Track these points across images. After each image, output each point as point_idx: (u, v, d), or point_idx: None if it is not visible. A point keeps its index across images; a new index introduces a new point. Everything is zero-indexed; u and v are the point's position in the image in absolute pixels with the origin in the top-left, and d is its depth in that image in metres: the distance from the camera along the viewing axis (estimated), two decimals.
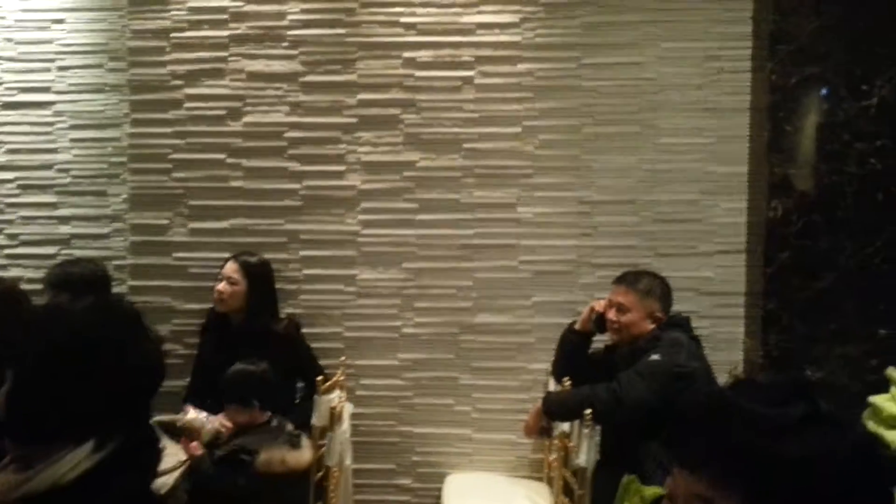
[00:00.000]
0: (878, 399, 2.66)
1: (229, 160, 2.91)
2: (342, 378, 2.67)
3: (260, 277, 2.65)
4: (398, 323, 2.94)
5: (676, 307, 2.52)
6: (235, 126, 2.90)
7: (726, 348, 2.94)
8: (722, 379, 2.59)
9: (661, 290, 2.43)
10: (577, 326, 2.55)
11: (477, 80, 2.91)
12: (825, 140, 2.79)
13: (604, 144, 2.93)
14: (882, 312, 2.81)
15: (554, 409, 2.34)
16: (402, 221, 2.93)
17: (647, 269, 2.56)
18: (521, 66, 2.91)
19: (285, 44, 2.90)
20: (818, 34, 2.77)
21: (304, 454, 2.24)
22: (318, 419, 2.35)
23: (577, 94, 2.92)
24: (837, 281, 2.81)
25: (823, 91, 2.79)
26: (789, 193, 2.81)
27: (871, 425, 2.63)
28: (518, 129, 2.93)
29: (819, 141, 2.80)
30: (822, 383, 2.83)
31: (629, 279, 2.44)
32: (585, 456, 2.21)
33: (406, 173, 2.92)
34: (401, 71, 2.91)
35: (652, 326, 2.36)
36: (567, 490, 2.36)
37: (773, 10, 2.79)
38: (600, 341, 2.61)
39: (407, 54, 2.90)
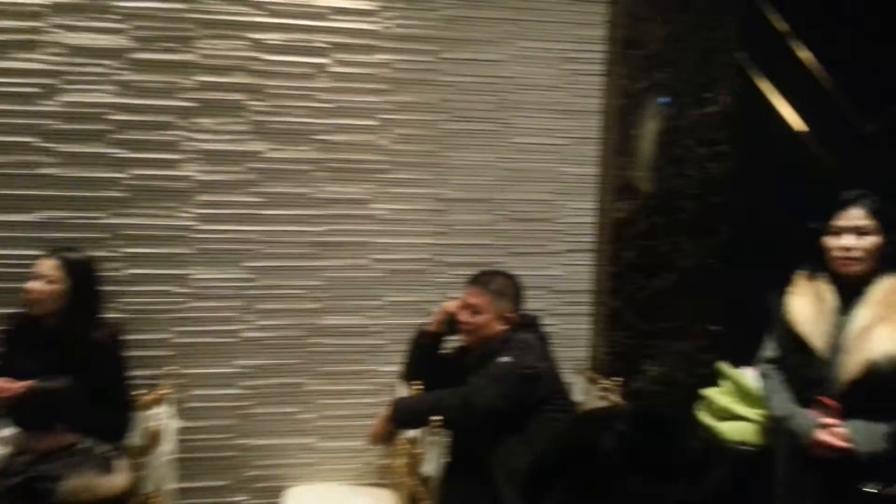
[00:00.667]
0: (709, 392, 2.82)
1: (41, 144, 2.56)
2: (168, 390, 2.45)
3: (84, 277, 2.35)
4: (237, 327, 2.73)
5: (528, 305, 2.51)
6: (50, 105, 2.56)
7: (574, 345, 3.00)
8: (568, 376, 2.63)
9: (513, 290, 2.41)
10: (427, 328, 2.48)
11: (331, 69, 2.75)
12: (669, 144, 2.90)
13: (461, 141, 2.87)
14: (715, 310, 2.97)
15: (401, 417, 2.26)
16: (245, 216, 2.71)
17: (500, 269, 2.53)
18: (378, 57, 2.78)
19: (113, 16, 2.58)
20: (668, 42, 2.85)
21: (116, 479, 2.02)
22: (135, 439, 2.12)
23: (436, 89, 2.83)
24: (676, 280, 2.94)
25: (669, 97, 2.88)
26: (635, 195, 2.89)
27: (706, 417, 2.79)
28: (374, 122, 2.80)
29: (663, 145, 2.89)
30: (662, 378, 2.96)
31: (482, 280, 2.39)
32: (432, 463, 2.16)
33: (251, 164, 2.71)
34: (247, 53, 2.68)
35: (504, 328, 2.34)
36: (413, 497, 2.30)
37: (627, 15, 2.84)
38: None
39: (254, 35, 2.68)
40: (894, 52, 3.07)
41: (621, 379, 2.66)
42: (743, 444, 2.59)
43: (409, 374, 2.49)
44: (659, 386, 2.96)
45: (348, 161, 2.79)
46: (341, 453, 2.82)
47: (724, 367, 2.81)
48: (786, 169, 3.04)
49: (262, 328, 2.75)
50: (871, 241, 2.04)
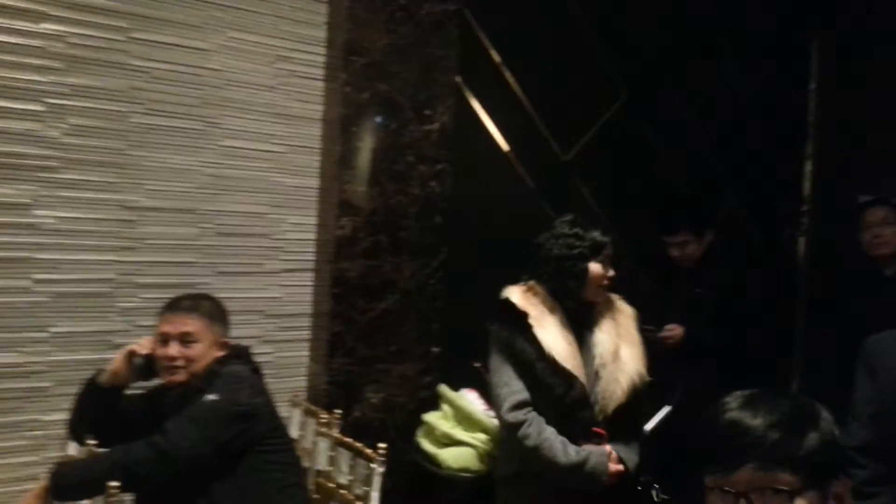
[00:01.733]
0: (430, 417, 2.73)
1: None
2: None
3: None
4: None
5: (239, 332, 2.17)
6: None
7: (291, 375, 2.72)
8: (284, 409, 2.34)
9: (223, 313, 2.05)
10: (103, 380, 1.94)
11: None
12: (392, 160, 2.78)
13: (156, 139, 2.43)
14: (436, 331, 2.91)
15: (65, 486, 1.73)
16: None
17: (201, 292, 2.15)
18: (47, 26, 2.23)
19: None
20: (390, 52, 2.74)
21: None
22: None
23: (124, 74, 2.36)
24: (398, 301, 2.82)
25: (391, 111, 2.77)
26: (357, 212, 2.72)
27: (426, 444, 2.68)
28: (39, 107, 2.23)
29: (386, 161, 2.77)
30: (383, 404, 2.80)
31: (187, 304, 1.98)
32: None
33: None
34: None
35: (220, 354, 1.97)
36: None
37: (348, 19, 2.67)
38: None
39: None
40: (587, 86, 3.38)
41: (341, 411, 2.44)
42: (465, 470, 2.55)
43: (78, 429, 1.96)
44: (380, 413, 2.79)
45: (3, 154, 2.18)
46: None
47: (445, 389, 2.76)
48: (495, 188, 3.13)
49: None
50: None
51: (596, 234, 2.13)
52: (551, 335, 2.06)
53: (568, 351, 2.05)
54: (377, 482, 2.07)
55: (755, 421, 0.95)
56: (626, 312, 2.23)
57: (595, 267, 2.11)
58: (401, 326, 2.83)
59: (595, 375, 2.06)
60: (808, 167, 3.99)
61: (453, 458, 2.55)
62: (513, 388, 2.05)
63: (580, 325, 2.13)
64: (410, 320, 2.85)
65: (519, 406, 2.04)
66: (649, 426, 2.51)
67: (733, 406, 0.99)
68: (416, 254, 2.84)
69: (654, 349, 3.05)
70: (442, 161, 2.88)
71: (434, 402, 2.77)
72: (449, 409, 2.70)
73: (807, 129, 4.02)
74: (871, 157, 3.84)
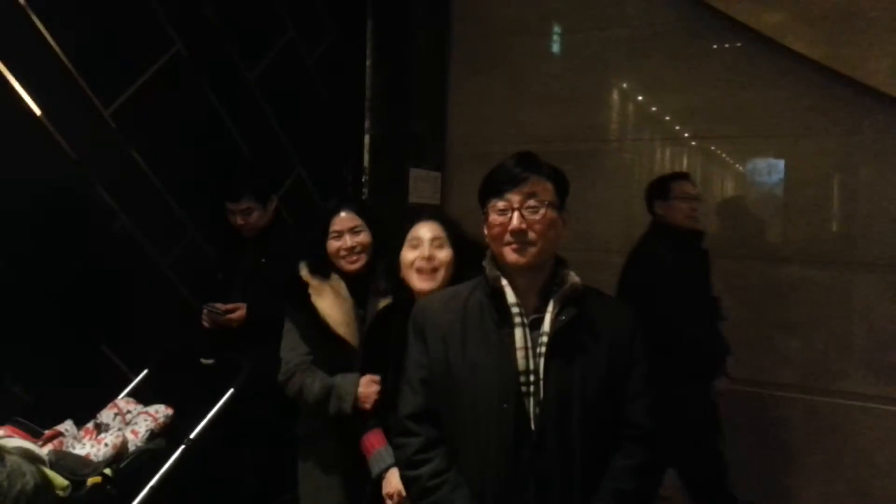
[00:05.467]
0: None
1: None
2: None
3: None
4: None
5: None
6: None
7: None
8: None
9: None
10: None
11: None
12: None
13: None
14: None
15: None
16: None
17: None
18: None
19: None
20: None
21: None
22: None
23: None
24: None
25: None
26: None
27: None
28: None
29: None
30: None
31: None
32: None
33: None
34: None
35: None
36: None
37: None
38: None
39: None
40: (136, 36, 2.96)
41: None
42: None
43: None
44: None
45: None
46: None
47: None
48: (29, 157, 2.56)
49: None
50: (364, 237, 2.34)
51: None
52: (325, 301, 2.29)
53: (341, 316, 2.28)
54: None
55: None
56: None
57: (332, 242, 2.35)
58: None
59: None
60: (367, 140, 4.22)
61: None
62: (290, 346, 2.32)
63: (360, 294, 2.35)
64: None
65: (298, 360, 2.29)
66: (214, 411, 2.33)
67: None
68: None
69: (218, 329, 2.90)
70: None
71: None
72: None
73: (364, 102, 4.24)
74: (416, 133, 4.24)
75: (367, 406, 2.11)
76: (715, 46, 3.67)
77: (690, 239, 3.09)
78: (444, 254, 2.05)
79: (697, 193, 3.16)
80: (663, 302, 2.82)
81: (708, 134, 3.75)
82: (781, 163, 3.57)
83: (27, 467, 0.82)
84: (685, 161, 3.87)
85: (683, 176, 3.19)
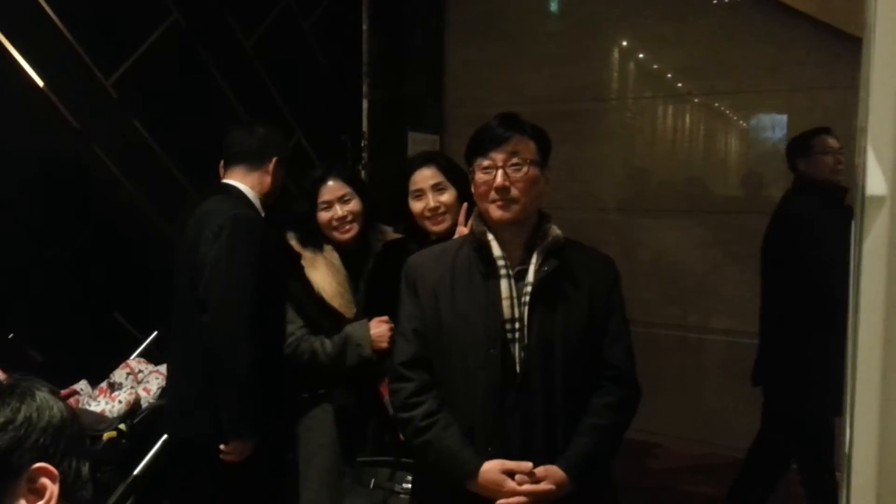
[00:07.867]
0: None
1: None
2: None
3: None
4: None
5: None
6: None
7: None
8: None
9: None
10: None
11: None
12: None
13: None
14: None
15: None
16: None
17: None
18: None
19: None
20: None
21: None
22: None
23: None
24: None
25: None
26: None
27: None
28: None
29: None
30: None
31: None
32: None
33: None
34: None
35: None
36: None
37: None
38: None
39: None
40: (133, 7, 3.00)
41: None
42: None
43: None
44: None
45: None
46: None
47: None
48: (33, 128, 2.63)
49: None
50: (355, 204, 2.29)
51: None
52: (319, 274, 2.26)
53: (335, 288, 2.26)
54: None
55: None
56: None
57: (322, 214, 2.30)
58: None
59: (365, 310, 2.29)
60: (365, 104, 4.26)
61: None
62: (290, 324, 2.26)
63: (355, 266, 2.33)
64: None
65: (292, 342, 2.24)
66: None
67: None
68: None
69: None
70: None
71: None
72: None
73: (362, 67, 4.26)
74: (414, 96, 4.27)
75: (384, 345, 2.15)
76: (715, 2, 3.68)
77: (836, 194, 2.89)
78: (447, 196, 2.13)
79: (840, 146, 2.97)
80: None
81: (710, 91, 3.77)
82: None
83: (55, 402, 0.91)
84: (687, 119, 3.90)
85: (825, 130, 3.01)
